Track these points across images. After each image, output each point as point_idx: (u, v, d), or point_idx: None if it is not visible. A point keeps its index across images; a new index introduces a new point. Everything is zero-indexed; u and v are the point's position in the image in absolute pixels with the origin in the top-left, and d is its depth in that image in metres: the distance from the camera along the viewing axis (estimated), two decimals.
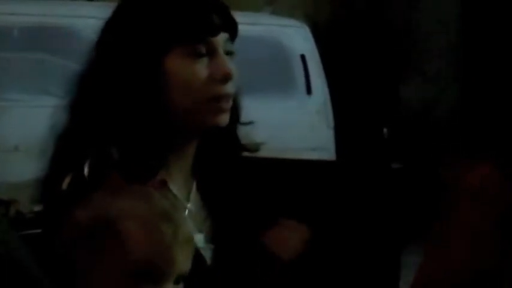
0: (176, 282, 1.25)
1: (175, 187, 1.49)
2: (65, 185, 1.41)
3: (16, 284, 1.12)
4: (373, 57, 7.09)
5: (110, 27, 1.51)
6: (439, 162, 5.39)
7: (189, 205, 1.50)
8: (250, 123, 1.55)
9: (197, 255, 1.38)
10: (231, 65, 1.45)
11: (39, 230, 1.49)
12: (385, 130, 6.37)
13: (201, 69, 1.42)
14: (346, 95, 6.30)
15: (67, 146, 1.47)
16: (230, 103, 1.46)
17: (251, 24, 5.42)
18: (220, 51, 1.44)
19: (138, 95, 1.43)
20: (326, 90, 5.89)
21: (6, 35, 5.16)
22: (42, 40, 5.26)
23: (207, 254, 1.50)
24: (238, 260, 1.50)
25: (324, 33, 6.30)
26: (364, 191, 1.91)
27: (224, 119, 1.45)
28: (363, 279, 1.83)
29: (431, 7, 7.25)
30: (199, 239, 1.48)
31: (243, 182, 1.55)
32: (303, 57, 5.76)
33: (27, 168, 3.88)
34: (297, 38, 5.82)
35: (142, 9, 1.49)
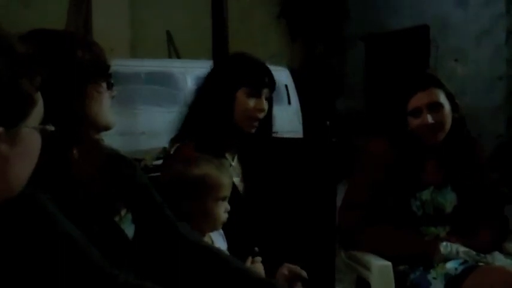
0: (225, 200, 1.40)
1: (228, 157, 1.66)
2: (172, 151, 1.58)
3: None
4: (322, 86, 7.93)
5: (211, 74, 1.68)
6: (356, 138, 5.41)
7: (233, 163, 1.66)
8: (276, 132, 1.70)
9: (234, 189, 1.49)
10: (265, 105, 1.64)
11: (157, 174, 1.53)
12: (327, 122, 6.75)
13: (252, 103, 1.60)
14: (308, 105, 6.77)
15: (181, 131, 1.64)
16: (257, 124, 1.63)
17: None
18: (263, 96, 1.63)
19: (221, 109, 1.59)
20: (298, 102, 6.53)
21: (137, 76, 5.69)
22: (155, 78, 5.77)
23: (241, 188, 1.64)
24: (255, 191, 1.64)
25: (296, 73, 6.74)
26: (317, 153, 1.91)
27: (252, 130, 1.63)
28: (312, 201, 1.81)
29: (351, 62, 8.02)
30: (236, 180, 1.60)
31: (259, 150, 1.69)
32: (286, 86, 6.40)
33: (148, 143, 4.65)
34: (283, 76, 6.26)
35: (230, 67, 1.67)
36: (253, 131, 1.62)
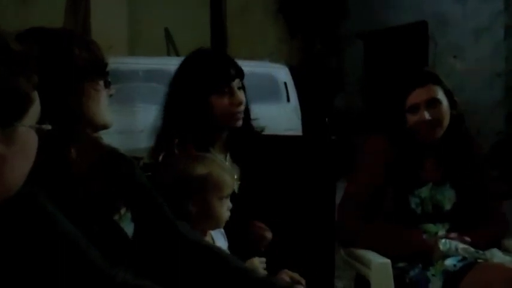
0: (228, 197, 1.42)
1: (218, 155, 1.64)
2: (160, 159, 1.55)
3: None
4: (321, 83, 8.04)
5: (176, 84, 1.64)
6: (355, 135, 5.69)
7: (226, 163, 1.65)
8: (256, 119, 1.70)
9: None
10: (241, 95, 1.62)
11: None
12: (326, 119, 7.14)
13: (226, 100, 1.60)
14: (307, 102, 6.87)
15: (162, 138, 1.60)
16: (241, 115, 1.63)
17: (260, 67, 6.14)
18: (236, 88, 1.61)
19: (200, 112, 1.59)
20: (297, 99, 6.65)
21: (135, 74, 5.82)
22: (154, 76, 5.72)
23: (236, 187, 1.62)
24: (252, 190, 1.63)
25: (295, 71, 6.87)
26: (316, 150, 1.90)
27: (238, 123, 1.63)
28: (311, 199, 1.78)
29: (350, 60, 8.29)
30: None
31: (253, 148, 1.68)
32: (285, 83, 6.58)
33: (147, 142, 5.18)
34: (282, 73, 6.58)
35: (192, 76, 1.61)
36: (238, 123, 1.62)
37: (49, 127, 0.82)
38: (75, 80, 1.06)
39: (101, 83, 1.12)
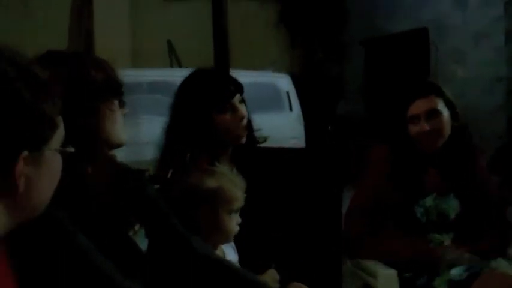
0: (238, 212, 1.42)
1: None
2: (169, 175, 1.55)
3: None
4: (323, 91, 7.96)
5: (181, 97, 1.65)
6: (359, 145, 5.60)
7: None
8: (259, 130, 1.73)
9: None
10: (243, 109, 1.64)
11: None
12: (329, 127, 7.15)
13: (228, 117, 1.63)
14: (309, 110, 6.84)
15: (168, 154, 1.62)
16: (245, 132, 1.64)
17: (262, 77, 6.32)
18: (237, 104, 1.63)
19: (205, 130, 1.61)
20: (299, 108, 6.65)
21: (139, 86, 5.77)
22: (157, 88, 5.73)
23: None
24: (259, 202, 1.60)
25: (297, 79, 6.87)
26: (321, 159, 1.95)
27: (242, 140, 1.65)
28: (317, 210, 1.81)
29: (351, 68, 8.25)
30: None
31: (259, 161, 1.70)
32: (287, 92, 6.60)
33: (153, 154, 4.86)
34: (284, 82, 6.61)
35: (193, 91, 1.62)
36: (242, 141, 1.63)
37: (72, 150, 0.85)
38: (91, 101, 1.10)
39: (116, 102, 1.16)
